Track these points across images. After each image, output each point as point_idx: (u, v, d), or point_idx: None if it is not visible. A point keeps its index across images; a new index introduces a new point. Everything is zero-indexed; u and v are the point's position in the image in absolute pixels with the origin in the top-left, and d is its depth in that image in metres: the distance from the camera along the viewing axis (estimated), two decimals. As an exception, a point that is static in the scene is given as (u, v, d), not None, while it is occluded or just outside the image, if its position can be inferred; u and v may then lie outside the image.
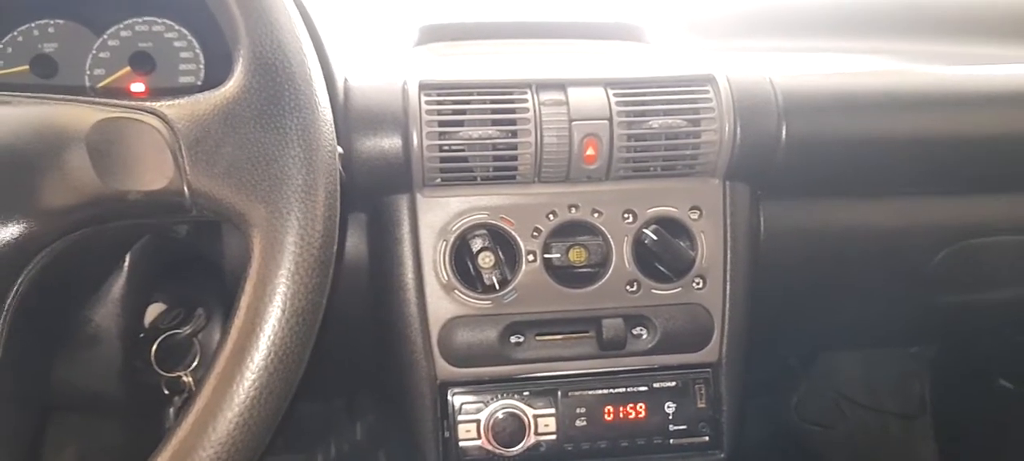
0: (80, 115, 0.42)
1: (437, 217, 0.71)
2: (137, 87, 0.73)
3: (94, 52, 0.73)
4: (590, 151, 0.70)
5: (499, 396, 0.73)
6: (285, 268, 0.40)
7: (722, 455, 0.76)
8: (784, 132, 0.74)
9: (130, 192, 0.42)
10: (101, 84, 0.73)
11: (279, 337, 0.40)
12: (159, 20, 0.74)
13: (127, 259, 0.56)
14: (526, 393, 0.73)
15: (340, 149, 0.58)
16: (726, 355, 0.76)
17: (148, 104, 0.43)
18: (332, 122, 0.45)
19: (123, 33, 0.73)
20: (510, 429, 0.72)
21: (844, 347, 1.17)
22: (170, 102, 0.43)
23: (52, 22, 0.72)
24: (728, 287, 0.75)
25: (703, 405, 0.75)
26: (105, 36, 0.73)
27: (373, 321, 0.75)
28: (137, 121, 0.42)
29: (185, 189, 0.42)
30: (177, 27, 0.74)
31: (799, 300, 0.88)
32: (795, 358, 1.21)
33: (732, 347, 0.76)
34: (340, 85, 0.69)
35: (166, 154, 0.42)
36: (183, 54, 0.74)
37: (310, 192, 0.42)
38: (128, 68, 0.73)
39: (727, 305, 0.75)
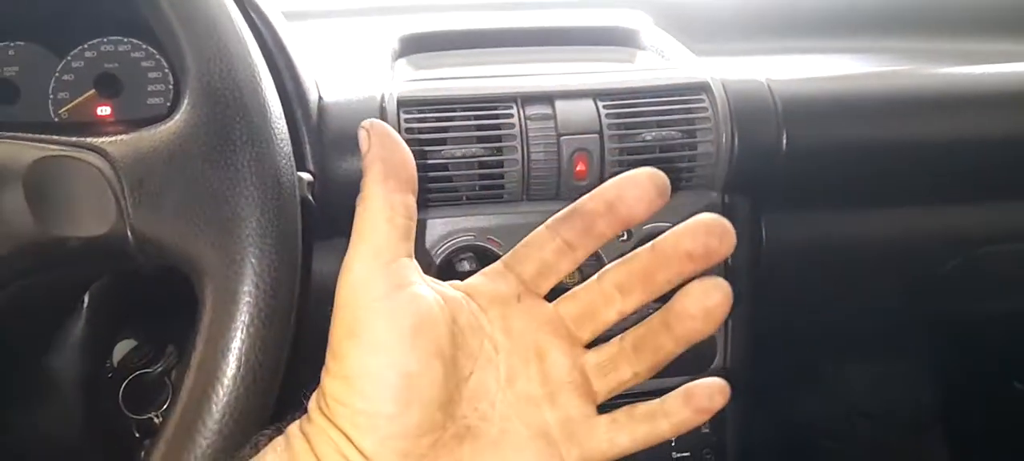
0: (15, 154, 0.39)
1: (421, 240, 0.68)
2: (103, 111, 0.70)
3: (57, 75, 0.69)
4: (580, 167, 0.67)
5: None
6: (239, 320, 0.37)
7: (727, 481, 0.73)
8: (784, 141, 0.70)
9: (70, 239, 0.38)
10: (64, 109, 0.69)
11: (234, 397, 0.36)
12: (125, 39, 0.70)
13: (86, 300, 0.53)
14: (518, 422, 0.69)
15: (308, 176, 0.54)
16: (730, 378, 0.71)
17: (89, 141, 0.39)
18: (291, 155, 0.41)
19: (87, 54, 0.69)
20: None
21: (851, 359, 1.13)
22: (111, 138, 0.39)
23: (12, 45, 0.69)
24: (730, 306, 0.71)
25: (707, 430, 0.72)
26: (69, 58, 0.69)
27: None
28: (77, 159, 0.39)
29: (128, 234, 0.38)
30: (144, 46, 0.70)
31: (804, 313, 0.84)
32: (801, 370, 1.17)
33: (736, 369, 0.72)
34: (313, 104, 0.65)
35: (108, 196, 0.38)
36: (152, 75, 0.70)
37: (267, 234, 0.38)
38: (93, 91, 0.69)
39: (730, 325, 0.71)
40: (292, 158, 0.41)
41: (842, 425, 1.17)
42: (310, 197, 0.52)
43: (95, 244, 0.38)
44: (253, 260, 0.37)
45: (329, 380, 0.38)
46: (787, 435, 1.21)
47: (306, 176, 0.52)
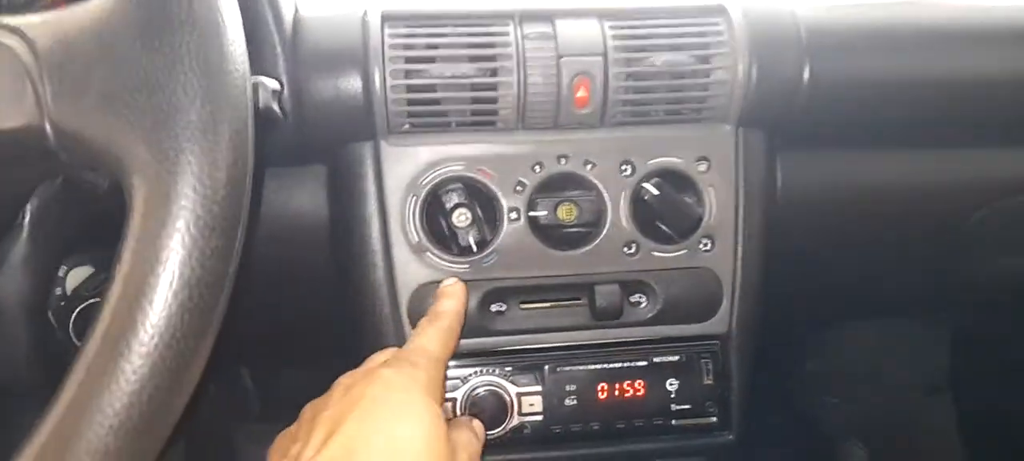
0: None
1: (405, 169, 0.62)
2: None
3: None
4: (581, 93, 0.61)
5: (478, 372, 0.64)
6: (175, 226, 0.31)
7: (730, 436, 0.68)
8: (807, 72, 0.64)
9: (-21, 132, 0.33)
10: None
11: (166, 316, 0.31)
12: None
13: (26, 215, 0.48)
14: (509, 368, 0.65)
15: (275, 83, 0.48)
16: (736, 326, 0.67)
17: (4, 19, 0.34)
18: (242, 43, 0.35)
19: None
20: (490, 409, 0.64)
21: (865, 315, 1.08)
22: (29, 17, 0.34)
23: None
24: (740, 249, 0.66)
25: (710, 381, 0.67)
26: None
27: (338, 285, 0.67)
28: (-11, 40, 0.33)
29: (47, 127, 0.33)
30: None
31: (818, 263, 0.79)
32: (810, 326, 1.13)
33: (743, 317, 0.67)
34: (289, 15, 0.60)
35: (24, 82, 0.33)
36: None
37: (209, 129, 0.32)
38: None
39: (738, 269, 0.66)
40: (244, 47, 0.35)
41: (848, 384, 1.13)
42: (277, 107, 0.47)
43: (9, 138, 0.33)
44: (191, 157, 0.31)
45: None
46: (791, 391, 1.17)
47: (272, 82, 0.47)
